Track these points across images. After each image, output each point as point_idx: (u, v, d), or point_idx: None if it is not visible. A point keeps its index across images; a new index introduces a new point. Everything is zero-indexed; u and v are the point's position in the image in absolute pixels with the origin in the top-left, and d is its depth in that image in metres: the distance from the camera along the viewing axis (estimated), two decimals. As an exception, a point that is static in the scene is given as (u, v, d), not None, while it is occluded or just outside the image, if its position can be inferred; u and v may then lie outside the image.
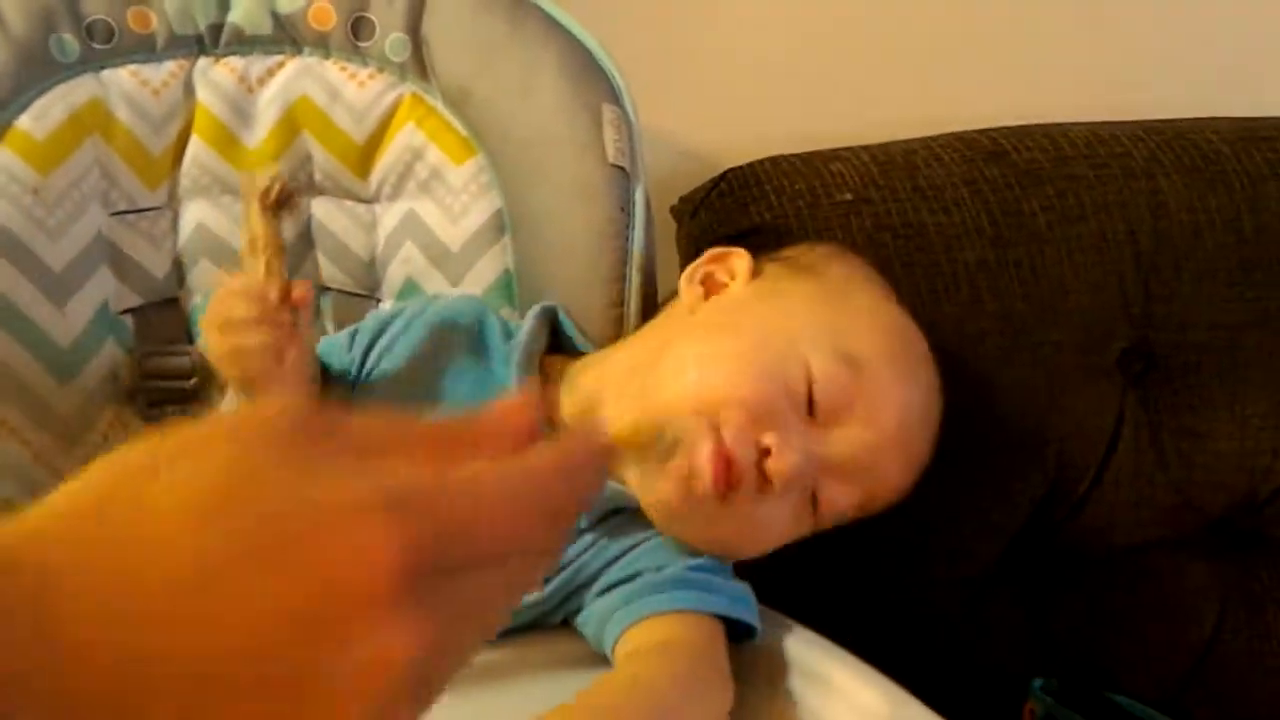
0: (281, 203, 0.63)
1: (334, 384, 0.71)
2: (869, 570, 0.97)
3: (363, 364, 0.71)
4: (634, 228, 0.74)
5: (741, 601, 0.65)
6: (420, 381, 0.70)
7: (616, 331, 0.74)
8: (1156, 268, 0.99)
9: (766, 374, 0.64)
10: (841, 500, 0.65)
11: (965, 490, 0.97)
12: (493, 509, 0.30)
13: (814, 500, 0.65)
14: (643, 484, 0.64)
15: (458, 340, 0.71)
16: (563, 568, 0.66)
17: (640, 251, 0.74)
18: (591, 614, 0.65)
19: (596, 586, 0.65)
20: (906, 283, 0.95)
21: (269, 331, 0.61)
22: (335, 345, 0.73)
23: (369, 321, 0.74)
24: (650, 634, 0.61)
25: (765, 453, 0.62)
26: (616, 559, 0.66)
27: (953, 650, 0.95)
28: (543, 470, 0.32)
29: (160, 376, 0.77)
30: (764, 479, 0.62)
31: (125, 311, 0.77)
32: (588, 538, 0.66)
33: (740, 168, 1.03)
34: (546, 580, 0.65)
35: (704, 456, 0.61)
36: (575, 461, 0.33)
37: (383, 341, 0.72)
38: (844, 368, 0.64)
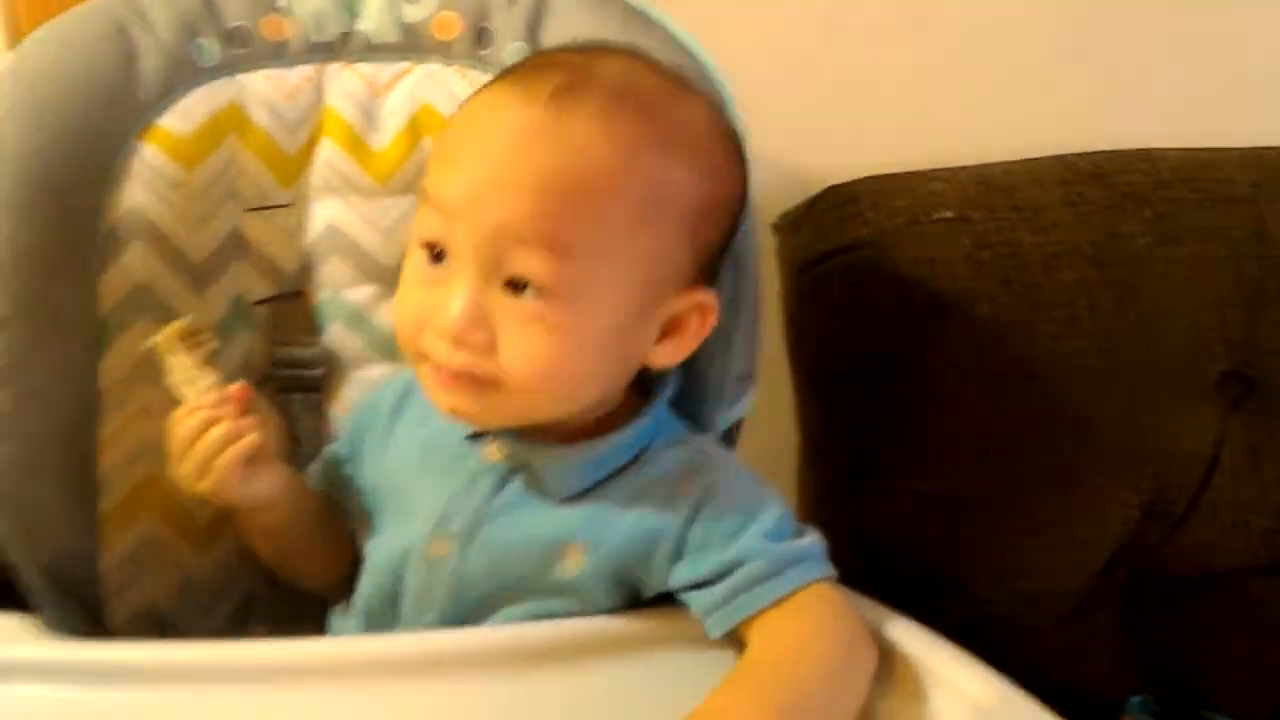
0: (187, 339, 0.71)
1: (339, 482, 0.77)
2: (964, 584, 0.97)
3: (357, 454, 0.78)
4: (742, 232, 0.75)
5: (821, 555, 0.67)
6: (390, 467, 0.75)
7: (721, 335, 0.75)
8: (1260, 292, 0.99)
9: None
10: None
11: (1061, 508, 0.98)
12: None
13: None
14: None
15: (409, 410, 0.76)
16: (588, 545, 0.68)
17: (748, 256, 0.76)
18: (694, 606, 0.67)
19: (678, 578, 0.67)
20: (1005, 300, 0.96)
21: (220, 428, 0.68)
22: (336, 452, 0.79)
23: (346, 423, 0.80)
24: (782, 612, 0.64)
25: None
26: (661, 536, 0.67)
27: (1047, 665, 0.95)
28: None
29: (289, 365, 0.80)
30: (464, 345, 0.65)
31: (258, 303, 0.81)
32: (594, 506, 0.68)
33: (840, 185, 1.05)
34: (577, 565, 0.67)
35: (430, 382, 0.67)
36: None
37: (364, 433, 0.78)
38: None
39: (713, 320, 0.70)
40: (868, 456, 1.02)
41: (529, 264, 0.63)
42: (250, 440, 0.68)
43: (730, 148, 0.72)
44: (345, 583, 0.75)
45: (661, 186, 0.66)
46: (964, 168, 1.06)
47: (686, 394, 0.75)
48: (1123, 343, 0.97)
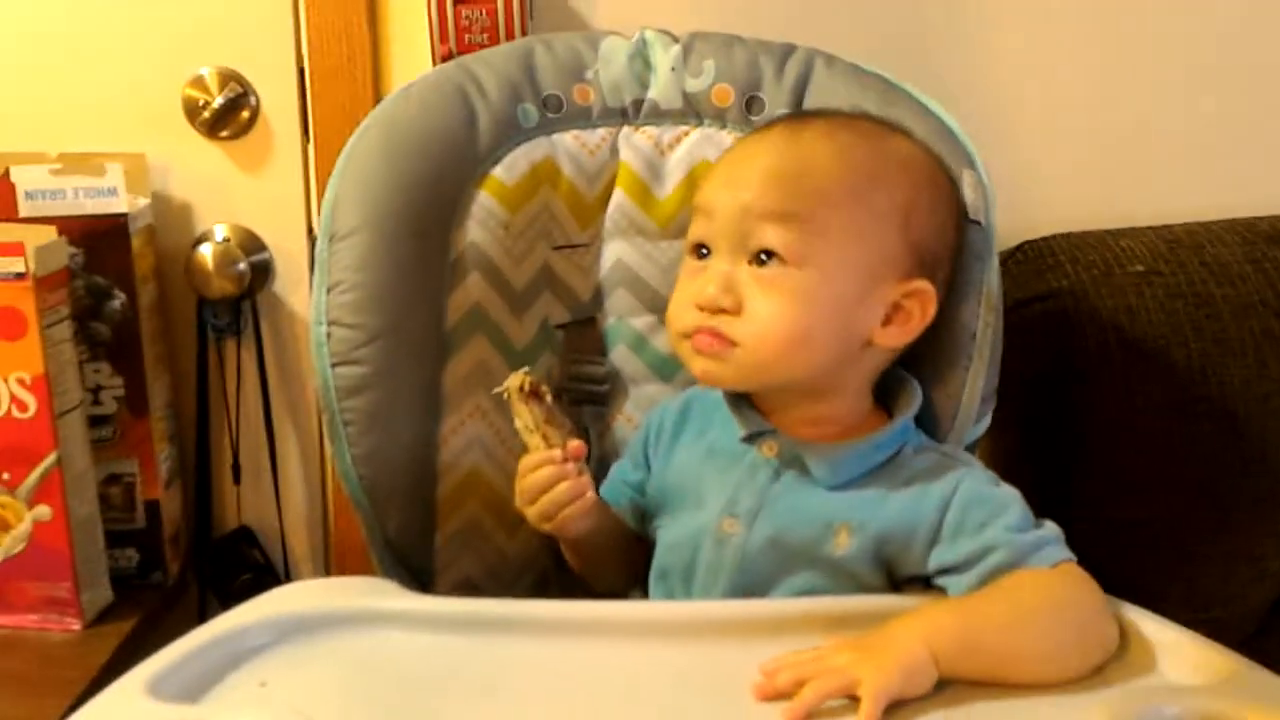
0: (532, 393, 0.81)
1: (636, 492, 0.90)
2: (1149, 608, 1.06)
3: (648, 468, 0.90)
4: (988, 272, 0.86)
5: (1061, 541, 0.78)
6: (678, 471, 0.87)
7: (970, 362, 0.86)
8: None
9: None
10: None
11: (1244, 537, 1.06)
12: None
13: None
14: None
15: (688, 428, 0.88)
16: (854, 525, 0.79)
17: (994, 293, 0.87)
18: (950, 589, 0.77)
19: (934, 561, 0.77)
20: (1196, 346, 1.06)
21: (567, 483, 0.80)
22: (625, 470, 0.91)
23: (634, 442, 0.92)
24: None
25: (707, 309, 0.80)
26: (919, 522, 0.78)
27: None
28: None
29: (581, 380, 0.94)
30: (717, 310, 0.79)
31: (559, 326, 0.95)
32: (859, 494, 0.80)
33: (1035, 240, 1.16)
34: (845, 543, 0.79)
35: (687, 354, 0.81)
36: None
37: (649, 449, 0.90)
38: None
39: (933, 310, 0.82)
40: (1058, 488, 1.11)
41: (768, 235, 0.78)
42: (590, 497, 0.81)
43: (938, 173, 0.85)
44: (638, 585, 0.88)
45: (873, 180, 0.80)
46: (1149, 228, 1.16)
47: (939, 411, 0.87)
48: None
